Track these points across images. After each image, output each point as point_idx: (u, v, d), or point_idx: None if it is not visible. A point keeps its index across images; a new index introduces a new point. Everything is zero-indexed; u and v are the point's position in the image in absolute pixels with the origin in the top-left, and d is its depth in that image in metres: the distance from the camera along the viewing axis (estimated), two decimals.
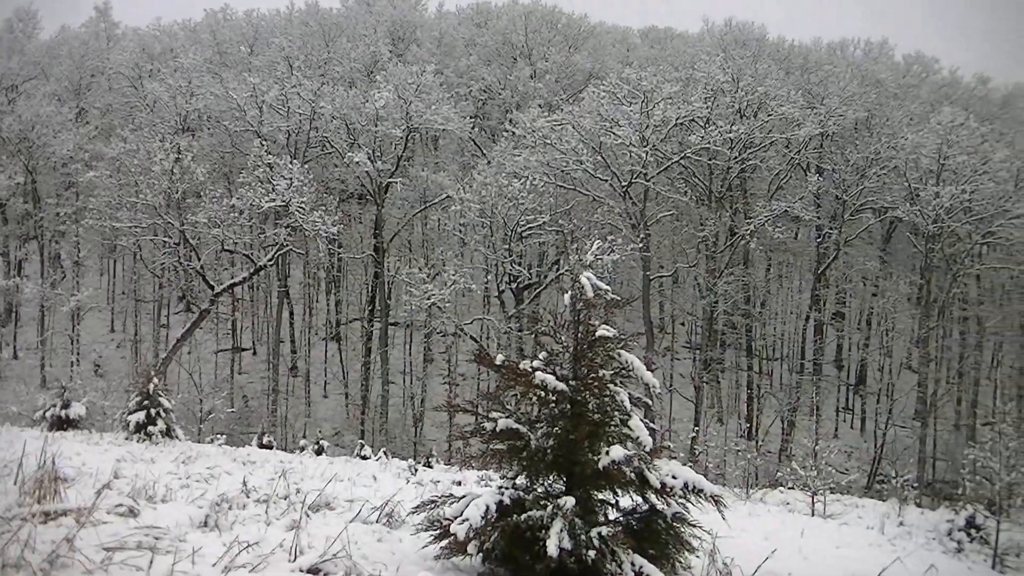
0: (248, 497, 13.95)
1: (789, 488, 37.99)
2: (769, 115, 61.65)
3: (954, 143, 61.04)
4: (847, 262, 72.34)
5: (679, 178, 65.26)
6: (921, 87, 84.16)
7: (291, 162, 58.31)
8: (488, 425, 9.71)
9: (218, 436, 35.89)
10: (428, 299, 56.37)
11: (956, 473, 41.11)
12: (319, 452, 37.03)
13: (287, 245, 58.22)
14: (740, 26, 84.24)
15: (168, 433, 25.84)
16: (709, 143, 59.10)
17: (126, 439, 25.10)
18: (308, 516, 11.16)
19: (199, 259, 56.52)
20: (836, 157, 66.91)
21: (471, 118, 73.65)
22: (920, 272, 68.23)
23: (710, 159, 61.75)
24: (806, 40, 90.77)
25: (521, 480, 9.84)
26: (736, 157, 61.04)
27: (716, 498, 9.84)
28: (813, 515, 32.61)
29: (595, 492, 9.70)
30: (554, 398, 9.66)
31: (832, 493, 37.49)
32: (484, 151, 71.56)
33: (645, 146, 57.56)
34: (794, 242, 75.91)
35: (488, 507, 9.28)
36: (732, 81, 62.22)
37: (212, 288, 56.32)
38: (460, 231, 64.93)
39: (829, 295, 75.05)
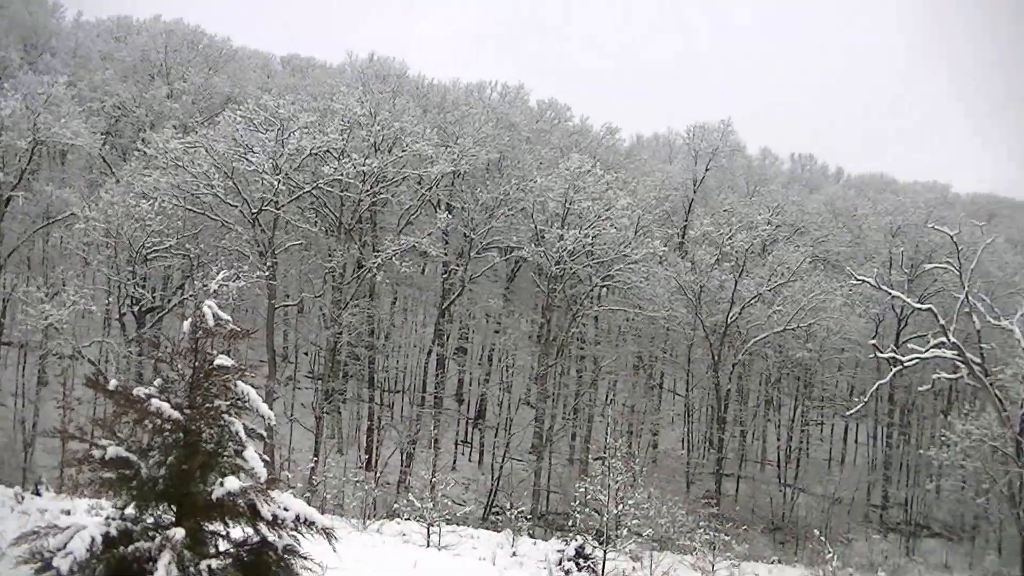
0: None
1: (406, 519, 38.38)
2: (403, 151, 62.16)
3: (580, 189, 63.32)
4: (471, 299, 73.87)
5: (310, 208, 64.98)
6: (553, 133, 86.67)
7: None
8: (97, 453, 9.46)
9: None
10: (45, 319, 54.12)
11: (568, 505, 42.50)
12: None
13: None
14: (381, 61, 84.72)
15: None
16: (342, 175, 59.23)
17: None
18: None
19: None
20: (466, 196, 68.29)
21: (102, 134, 71.14)
22: (541, 311, 70.32)
23: (342, 191, 61.80)
24: (445, 80, 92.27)
25: (131, 510, 9.61)
26: (368, 190, 61.29)
27: (327, 530, 9.88)
28: (428, 546, 33.12)
29: (206, 523, 9.59)
30: (168, 427, 9.51)
31: (448, 524, 38.07)
32: (114, 169, 69.35)
33: (278, 174, 57.07)
34: (420, 277, 76.93)
35: (94, 539, 9.02)
36: (369, 115, 62.60)
37: None
38: (83, 250, 62.55)
39: (453, 330, 76.42)
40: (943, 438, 51.15)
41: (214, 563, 9.04)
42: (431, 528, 35.62)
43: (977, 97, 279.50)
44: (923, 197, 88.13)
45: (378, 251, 62.25)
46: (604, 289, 72.00)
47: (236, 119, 59.81)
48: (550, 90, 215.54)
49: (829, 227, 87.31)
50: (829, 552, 32.10)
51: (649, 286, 67.04)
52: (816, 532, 37.15)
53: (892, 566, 43.27)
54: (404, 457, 61.01)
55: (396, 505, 41.02)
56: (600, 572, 32.40)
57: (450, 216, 66.83)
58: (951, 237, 51.63)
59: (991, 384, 47.63)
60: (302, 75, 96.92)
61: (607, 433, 65.09)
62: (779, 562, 53.46)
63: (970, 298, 49.94)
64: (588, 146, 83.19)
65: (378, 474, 50.93)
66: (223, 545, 9.80)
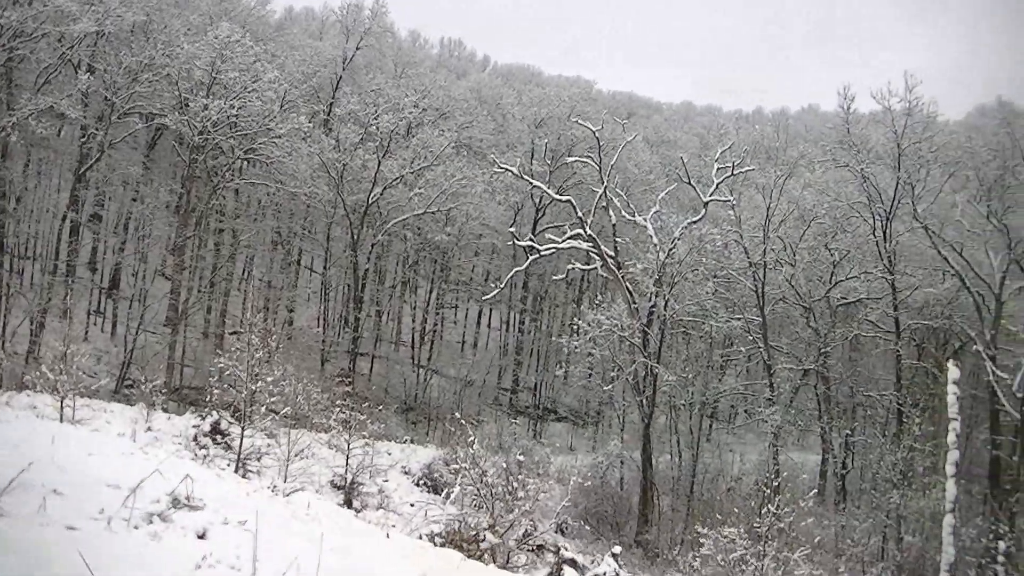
0: None
1: (37, 391, 37.13)
2: (44, 5, 58.96)
3: (228, 59, 61.80)
4: (110, 165, 71.10)
5: None
6: None
7: None
8: None
9: None
10: None
11: (204, 380, 42.14)
12: None
13: None
14: None
15: None
16: None
17: None
18: None
19: None
20: (110, 58, 65.38)
21: None
22: (181, 181, 68.93)
23: None
24: None
25: None
26: (4, 45, 58.02)
27: None
28: (62, 420, 32.16)
29: None
30: None
31: (81, 397, 37.11)
32: None
33: None
34: (57, 140, 73.78)
35: None
36: None
37: None
38: None
39: (88, 196, 73.64)
40: (574, 326, 53.15)
41: None
42: (64, 402, 34.62)
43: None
44: (568, 92, 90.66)
45: (13, 110, 59.09)
46: (246, 162, 71.11)
47: None
48: None
49: (474, 114, 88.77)
50: (471, 436, 33.00)
51: (292, 162, 66.54)
52: (457, 415, 38.16)
53: (521, 447, 44.99)
54: (34, 327, 58.76)
55: (27, 377, 39.59)
56: (237, 448, 32.43)
57: (91, 78, 64.01)
58: (593, 132, 53.51)
59: (623, 277, 49.93)
60: None
61: (244, 308, 65.00)
62: (412, 442, 54.92)
63: (608, 193, 52.00)
64: (238, 15, 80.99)
65: (6, 344, 49.04)
66: None
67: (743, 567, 28.25)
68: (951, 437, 14.27)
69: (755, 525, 28.33)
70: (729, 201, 54.93)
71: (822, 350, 56.04)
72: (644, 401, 48.60)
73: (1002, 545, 26.38)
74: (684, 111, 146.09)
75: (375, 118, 72.14)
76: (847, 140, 57.65)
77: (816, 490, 45.28)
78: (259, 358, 32.89)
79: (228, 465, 31.82)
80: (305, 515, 19.32)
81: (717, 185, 53.52)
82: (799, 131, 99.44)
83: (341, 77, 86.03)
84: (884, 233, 56.01)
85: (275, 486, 27.68)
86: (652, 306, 49.54)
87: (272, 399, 34.01)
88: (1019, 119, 57.41)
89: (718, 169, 53.92)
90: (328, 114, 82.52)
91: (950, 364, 13.93)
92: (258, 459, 33.68)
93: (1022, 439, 48.17)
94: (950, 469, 14.24)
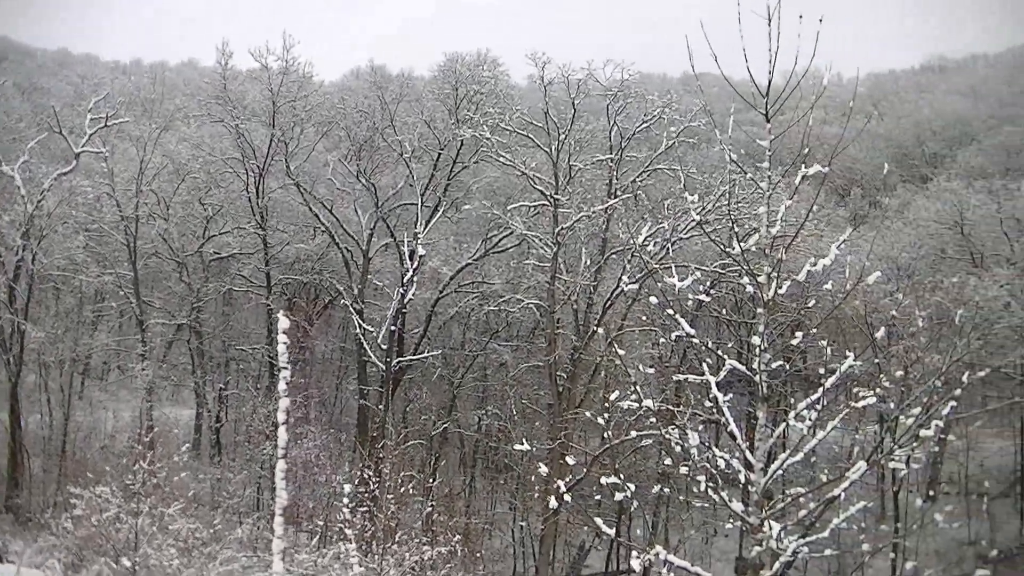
0: None
1: None
2: None
3: None
4: None
5: None
6: None
7: None
8: None
9: None
10: None
11: None
12: None
13: None
14: None
15: None
16: None
17: None
18: None
19: None
20: None
21: None
22: None
23: None
24: None
25: None
26: None
27: None
28: None
29: None
30: None
31: None
32: None
33: None
34: None
35: None
36: None
37: None
38: None
39: None
40: None
41: None
42: None
43: None
44: None
45: None
46: None
47: None
48: None
49: None
50: None
51: None
52: None
53: None
54: None
55: None
56: None
57: None
58: None
59: None
60: None
61: None
62: None
63: None
64: None
65: None
66: None
67: (118, 525, 28.03)
68: (281, 386, 14.78)
69: (128, 482, 28.22)
70: (102, 153, 53.85)
71: (195, 304, 56.30)
72: (11, 359, 46.95)
73: (348, 488, 28.17)
74: (61, 58, 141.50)
75: None
76: (224, 96, 57.48)
77: (190, 444, 45.75)
78: None
79: None
80: None
81: (90, 136, 52.35)
82: (178, 84, 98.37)
83: None
84: (257, 189, 56.64)
85: None
86: (19, 260, 47.92)
87: None
88: (390, 84, 59.66)
89: (91, 120, 52.71)
90: None
91: (280, 315, 14.43)
92: None
93: (387, 389, 50.73)
94: (281, 417, 14.75)
